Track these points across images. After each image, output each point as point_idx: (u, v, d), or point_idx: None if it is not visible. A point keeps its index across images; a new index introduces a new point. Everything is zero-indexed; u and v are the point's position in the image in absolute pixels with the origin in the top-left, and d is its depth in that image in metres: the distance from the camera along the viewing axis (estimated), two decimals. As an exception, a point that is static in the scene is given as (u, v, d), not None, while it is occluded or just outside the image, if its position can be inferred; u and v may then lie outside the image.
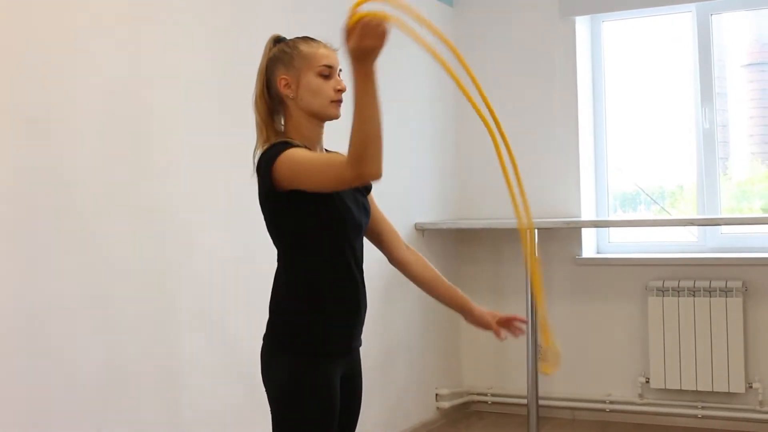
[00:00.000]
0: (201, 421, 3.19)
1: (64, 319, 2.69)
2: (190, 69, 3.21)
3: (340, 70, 2.15)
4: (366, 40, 1.79)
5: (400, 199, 4.58)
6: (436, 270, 2.33)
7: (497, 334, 2.28)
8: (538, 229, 4.64)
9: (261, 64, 2.17)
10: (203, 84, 3.26)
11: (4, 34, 2.55)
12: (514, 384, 4.93)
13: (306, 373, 2.04)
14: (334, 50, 2.16)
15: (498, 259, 5.06)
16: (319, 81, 2.11)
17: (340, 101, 2.13)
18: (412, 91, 4.70)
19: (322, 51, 2.13)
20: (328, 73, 2.12)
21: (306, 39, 2.17)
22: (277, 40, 2.19)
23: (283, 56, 2.14)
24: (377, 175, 1.86)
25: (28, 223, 2.61)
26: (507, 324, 2.29)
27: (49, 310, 2.66)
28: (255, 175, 2.11)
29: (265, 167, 2.03)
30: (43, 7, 2.67)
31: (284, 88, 2.12)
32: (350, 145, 1.84)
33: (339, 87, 2.13)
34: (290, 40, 2.18)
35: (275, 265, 2.16)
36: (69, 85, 2.75)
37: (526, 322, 2.29)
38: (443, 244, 4.98)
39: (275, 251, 2.16)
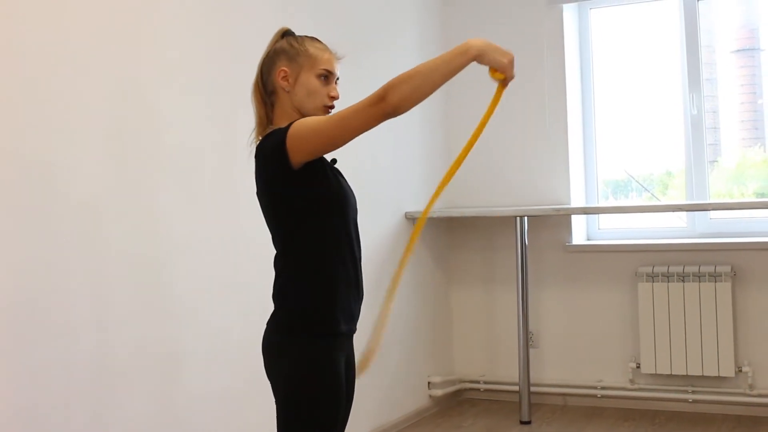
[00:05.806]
0: (195, 410, 3.20)
1: (58, 309, 2.70)
2: (185, 65, 3.21)
3: (337, 79, 2.19)
4: (501, 58, 2.15)
5: (390, 188, 4.59)
6: None
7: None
8: (528, 216, 4.66)
9: (264, 54, 2.19)
10: (196, 79, 3.27)
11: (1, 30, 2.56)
12: (506, 371, 4.96)
13: (316, 356, 2.03)
14: (338, 58, 2.19)
15: (488, 247, 5.08)
16: (317, 83, 2.14)
17: (331, 107, 2.16)
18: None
19: (327, 56, 2.16)
20: (327, 76, 2.15)
21: (314, 39, 2.20)
22: (285, 33, 2.20)
23: (289, 50, 2.16)
24: (405, 108, 1.92)
25: (25, 215, 2.61)
26: None
27: (45, 300, 2.66)
28: (255, 161, 2.10)
29: (274, 147, 2.02)
30: (38, 4, 2.68)
31: (281, 80, 2.14)
32: (400, 81, 1.89)
33: (333, 94, 2.16)
34: (300, 36, 2.20)
35: (266, 254, 2.16)
36: (65, 80, 2.75)
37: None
38: (434, 232, 4.99)
39: (267, 241, 2.16)
